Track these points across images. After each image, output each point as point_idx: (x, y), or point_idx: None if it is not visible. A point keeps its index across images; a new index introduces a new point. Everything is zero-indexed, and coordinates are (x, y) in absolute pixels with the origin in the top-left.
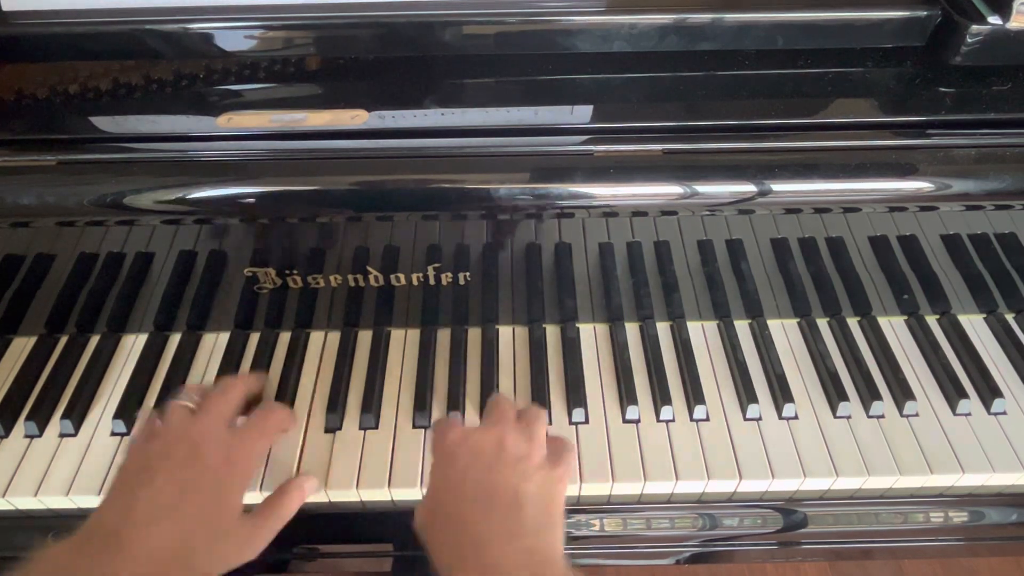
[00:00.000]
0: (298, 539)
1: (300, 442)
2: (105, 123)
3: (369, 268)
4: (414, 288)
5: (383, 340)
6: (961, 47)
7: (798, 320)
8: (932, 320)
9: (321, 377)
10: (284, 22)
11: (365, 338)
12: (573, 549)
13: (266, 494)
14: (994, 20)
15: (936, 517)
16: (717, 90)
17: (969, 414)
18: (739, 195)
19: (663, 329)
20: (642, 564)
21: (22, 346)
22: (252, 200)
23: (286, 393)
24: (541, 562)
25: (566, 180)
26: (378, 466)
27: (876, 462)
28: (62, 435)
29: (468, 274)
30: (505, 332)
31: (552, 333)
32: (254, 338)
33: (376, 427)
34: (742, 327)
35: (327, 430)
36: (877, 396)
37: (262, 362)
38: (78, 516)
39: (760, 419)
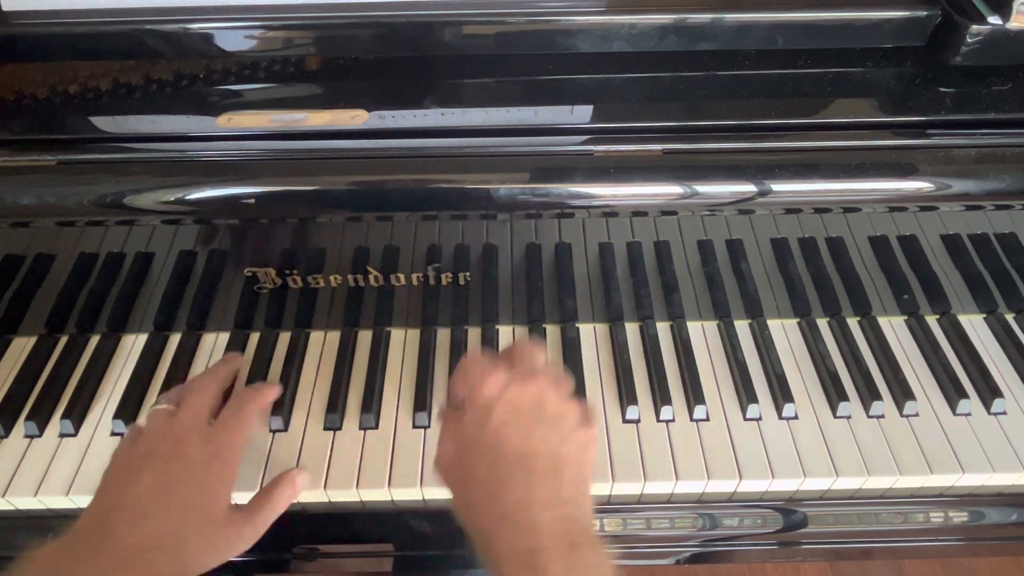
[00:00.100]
0: (298, 539)
1: (300, 442)
2: (105, 123)
3: (369, 268)
4: (414, 288)
5: (383, 340)
6: (961, 47)
7: (798, 320)
8: (932, 320)
9: (321, 377)
10: (284, 22)
11: (365, 338)
12: None
13: None
14: (994, 20)
15: (936, 517)
16: (717, 90)
17: (969, 414)
18: (739, 195)
19: (663, 329)
20: (642, 564)
21: (22, 346)
22: (252, 200)
23: (286, 393)
24: (579, 531)
25: (566, 180)
26: (378, 466)
27: (876, 462)
28: (62, 435)
29: (468, 274)
30: (505, 332)
31: (552, 333)
32: (254, 338)
33: (376, 427)
34: (742, 327)
35: (327, 430)
36: (877, 396)
37: (262, 362)
38: (78, 516)
39: (760, 419)
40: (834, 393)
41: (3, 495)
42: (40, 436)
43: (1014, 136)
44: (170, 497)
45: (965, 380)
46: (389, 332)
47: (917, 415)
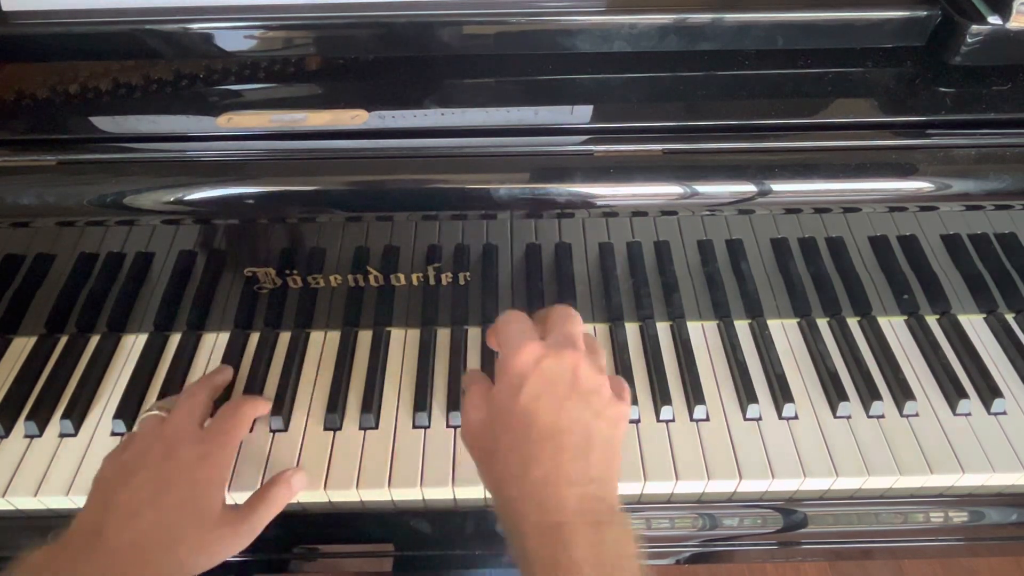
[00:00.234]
0: (298, 539)
1: (300, 442)
2: (105, 123)
3: (369, 268)
4: (414, 288)
5: (383, 340)
6: (961, 47)
7: (798, 320)
8: (932, 320)
9: (321, 377)
10: (284, 22)
11: (365, 338)
12: None
13: None
14: (994, 20)
15: (936, 517)
16: (717, 90)
17: (969, 414)
18: (739, 195)
19: (663, 329)
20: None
21: (22, 346)
22: (252, 200)
23: (286, 393)
24: (605, 509)
25: (566, 180)
26: (378, 466)
27: (876, 462)
28: (62, 435)
29: (468, 274)
30: None
31: None
32: (254, 338)
33: (376, 427)
34: (742, 327)
35: (327, 430)
36: (877, 396)
37: (262, 362)
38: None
39: (760, 419)
40: (834, 393)
41: (3, 495)
42: (40, 436)
43: (1014, 136)
44: (162, 496)
45: (965, 380)
46: (389, 332)
47: (917, 415)
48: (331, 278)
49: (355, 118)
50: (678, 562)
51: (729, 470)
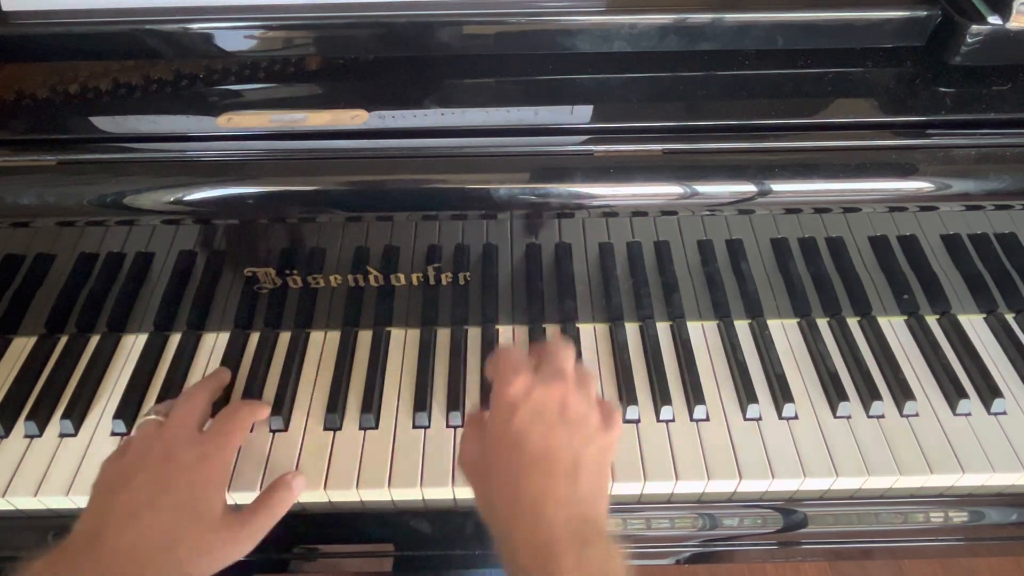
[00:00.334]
0: (298, 539)
1: (300, 442)
2: (105, 123)
3: (369, 268)
4: (414, 288)
5: (383, 340)
6: (961, 47)
7: (798, 320)
8: (932, 320)
9: (321, 377)
10: (284, 22)
11: (365, 338)
12: None
13: None
14: (994, 20)
15: (936, 517)
16: (717, 90)
17: (969, 414)
18: (739, 195)
19: (663, 329)
20: (642, 564)
21: (22, 346)
22: (252, 200)
23: (286, 393)
24: (593, 530)
25: (566, 180)
26: (378, 466)
27: (876, 462)
28: (62, 435)
29: (468, 274)
30: (505, 332)
31: (552, 333)
32: (254, 338)
33: (376, 427)
34: (742, 327)
35: (327, 430)
36: (877, 396)
37: (262, 362)
38: (78, 516)
39: (760, 419)
40: (834, 393)
41: (3, 495)
42: (40, 436)
43: (1014, 136)
44: (161, 497)
45: (965, 380)
46: (389, 332)
47: (917, 415)
48: (331, 278)
49: (355, 118)
50: (678, 562)
51: (729, 470)
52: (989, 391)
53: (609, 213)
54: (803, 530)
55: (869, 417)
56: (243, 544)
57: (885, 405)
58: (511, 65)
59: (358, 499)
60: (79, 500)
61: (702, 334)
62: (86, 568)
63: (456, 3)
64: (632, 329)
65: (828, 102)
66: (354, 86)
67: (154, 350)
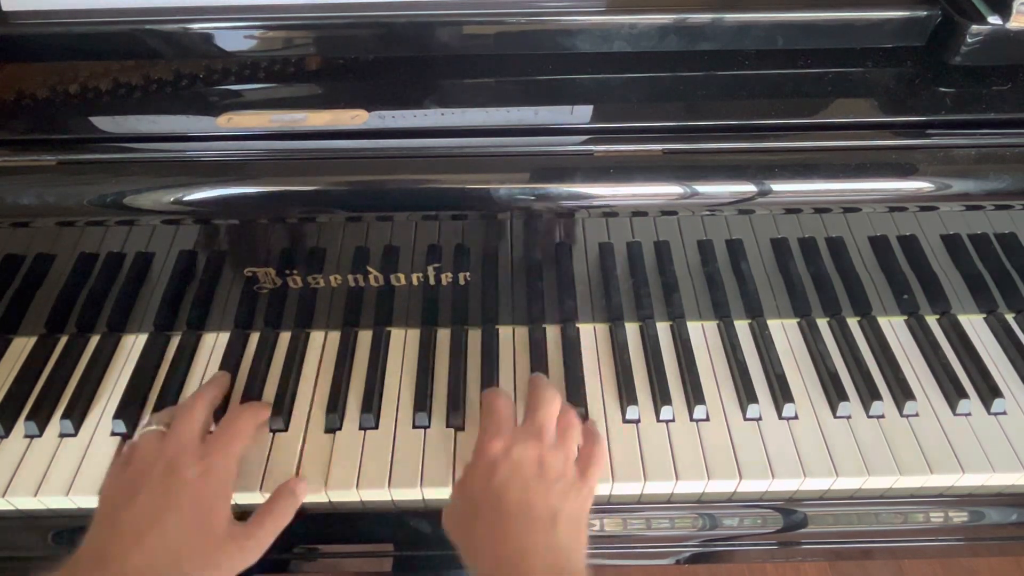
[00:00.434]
0: (298, 539)
1: (300, 442)
2: (105, 123)
3: (369, 268)
4: (414, 288)
5: (383, 340)
6: (961, 47)
7: (798, 320)
8: (932, 320)
9: (321, 377)
10: (284, 22)
11: (365, 338)
12: None
13: (266, 495)
14: (994, 20)
15: (936, 517)
16: (717, 90)
17: (969, 414)
18: (739, 195)
19: (663, 329)
20: (642, 564)
21: (22, 346)
22: (252, 200)
23: (286, 393)
24: None
25: (566, 180)
26: (378, 466)
27: (876, 462)
28: (62, 435)
29: (468, 274)
30: (505, 332)
31: (552, 333)
32: (254, 338)
33: (376, 427)
34: (742, 327)
35: (327, 430)
36: (877, 396)
37: (262, 362)
38: (78, 516)
39: (760, 419)
40: (834, 393)
41: (3, 495)
42: (40, 436)
43: (1014, 136)
44: (165, 516)
45: (965, 380)
46: (389, 332)
47: (917, 415)
48: (331, 278)
49: (355, 118)
50: (678, 562)
51: (729, 470)
52: (989, 391)
53: (609, 213)
54: (803, 530)
55: (869, 417)
56: (249, 556)
57: (885, 405)
58: (511, 65)
59: (358, 499)
60: (79, 500)
61: (702, 334)
62: None
63: (456, 3)
64: (632, 329)
65: (828, 102)
66: (354, 86)
67: (154, 350)
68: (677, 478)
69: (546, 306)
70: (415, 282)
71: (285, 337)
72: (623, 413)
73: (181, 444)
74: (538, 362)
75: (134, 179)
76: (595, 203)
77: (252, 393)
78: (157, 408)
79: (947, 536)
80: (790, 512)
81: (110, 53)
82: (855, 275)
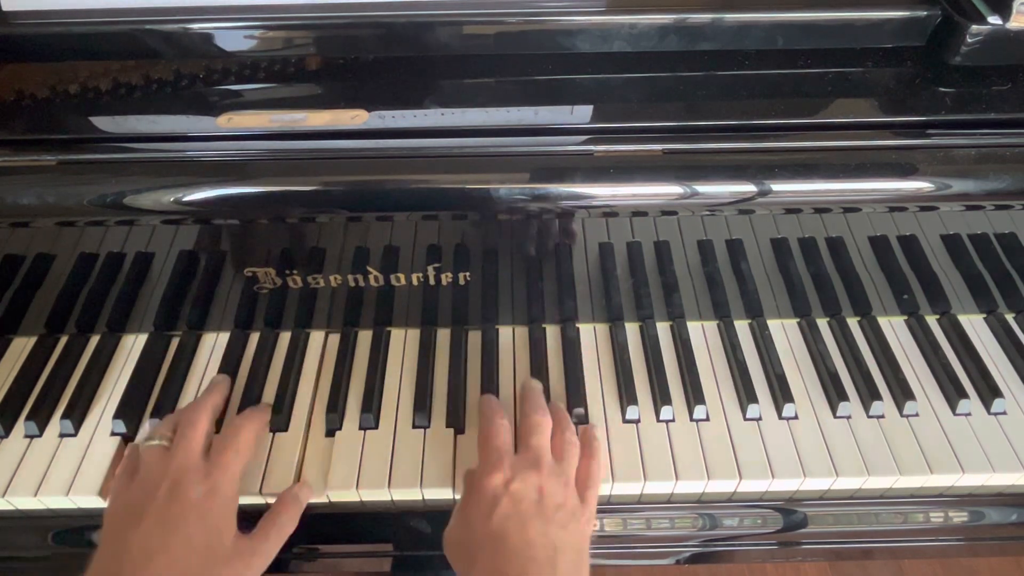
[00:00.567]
0: (298, 539)
1: (300, 443)
2: (105, 123)
3: (369, 268)
4: (414, 288)
5: (383, 340)
6: (961, 47)
7: (798, 320)
8: (932, 320)
9: (321, 377)
10: (284, 22)
11: (365, 338)
12: None
13: (267, 496)
14: (994, 20)
15: (936, 517)
16: (717, 90)
17: (969, 414)
18: (739, 195)
19: (663, 329)
20: (642, 564)
21: (22, 346)
22: (252, 200)
23: (286, 393)
24: None
25: (566, 180)
26: (378, 466)
27: (876, 462)
28: (62, 435)
29: (468, 274)
30: (505, 332)
31: (552, 333)
32: (254, 338)
33: (376, 427)
34: (742, 327)
35: (327, 430)
36: (877, 396)
37: (262, 362)
38: (78, 516)
39: (760, 419)
40: (834, 393)
41: (3, 495)
42: (40, 436)
43: (1014, 136)
44: (172, 538)
45: (965, 380)
46: (389, 332)
47: (917, 415)
48: (331, 278)
49: (355, 118)
50: (678, 562)
51: (729, 470)
52: (989, 391)
53: (609, 213)
54: (803, 530)
55: (869, 417)
56: (255, 568)
57: (885, 405)
58: (511, 65)
59: (358, 499)
60: (79, 500)
61: (702, 334)
62: None
63: (456, 3)
64: (632, 329)
65: (828, 102)
66: (354, 86)
67: (154, 350)
68: (677, 478)
69: (546, 306)
70: (415, 282)
71: (285, 337)
72: (623, 413)
73: (185, 463)
74: (538, 362)
75: (134, 179)
76: (595, 203)
77: (252, 393)
78: (157, 409)
79: (947, 536)
80: (790, 512)
81: (110, 53)
82: (855, 275)
